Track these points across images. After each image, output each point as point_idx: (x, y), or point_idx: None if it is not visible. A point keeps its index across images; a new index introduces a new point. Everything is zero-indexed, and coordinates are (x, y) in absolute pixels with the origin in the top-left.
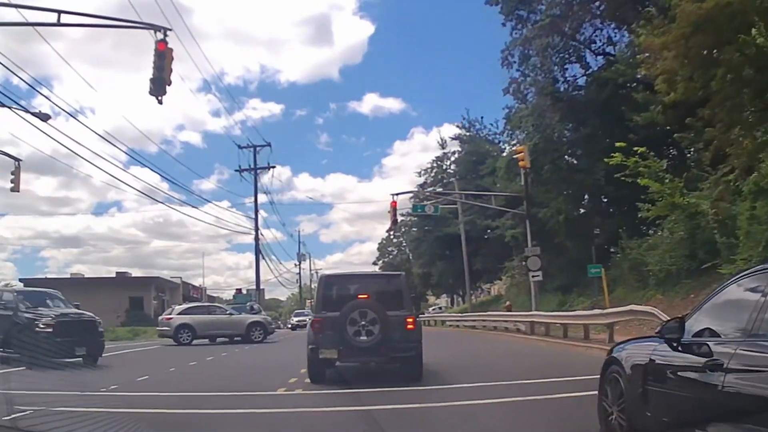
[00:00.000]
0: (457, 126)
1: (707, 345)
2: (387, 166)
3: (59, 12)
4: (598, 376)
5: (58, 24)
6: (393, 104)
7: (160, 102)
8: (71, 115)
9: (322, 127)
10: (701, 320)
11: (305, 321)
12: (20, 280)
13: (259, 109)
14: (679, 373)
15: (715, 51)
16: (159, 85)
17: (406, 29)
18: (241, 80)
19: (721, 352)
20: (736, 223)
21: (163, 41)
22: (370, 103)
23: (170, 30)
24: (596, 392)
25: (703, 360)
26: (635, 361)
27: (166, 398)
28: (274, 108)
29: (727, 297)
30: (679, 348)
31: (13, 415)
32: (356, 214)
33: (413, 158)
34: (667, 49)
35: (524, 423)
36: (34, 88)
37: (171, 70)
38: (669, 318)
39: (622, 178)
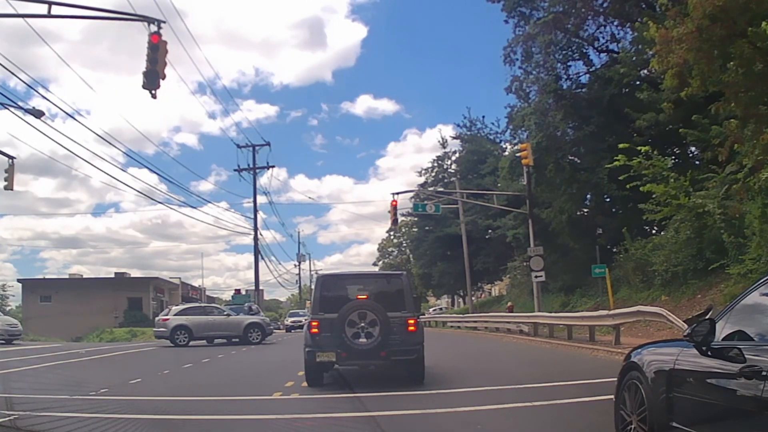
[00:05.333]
0: (457, 125)
1: (741, 350)
2: (382, 168)
3: (50, 3)
4: (606, 380)
5: (49, 15)
6: (387, 106)
7: (154, 96)
8: (70, 116)
9: (317, 129)
10: (731, 323)
11: (300, 322)
12: (19, 280)
13: (254, 111)
14: (709, 380)
15: (728, 44)
16: (152, 78)
17: (398, 32)
18: (236, 83)
19: (758, 357)
20: (744, 222)
21: (157, 34)
22: (363, 104)
23: (164, 22)
24: (606, 397)
25: (737, 366)
26: (658, 366)
27: (156, 402)
28: (269, 110)
29: (761, 298)
30: (710, 353)
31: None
32: (354, 216)
33: (408, 159)
34: (679, 42)
35: (531, 430)
36: (33, 89)
37: (165, 64)
38: (685, 320)
39: (626, 178)
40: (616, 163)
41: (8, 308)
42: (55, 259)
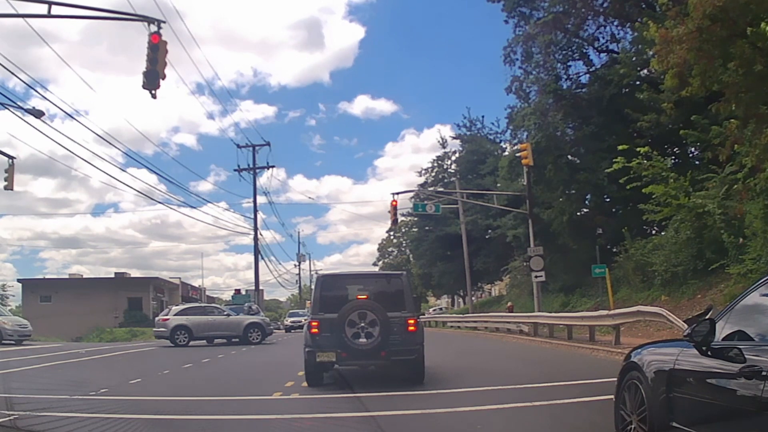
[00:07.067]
0: (456, 125)
1: (741, 350)
2: (380, 168)
3: (50, 3)
4: (606, 380)
5: (49, 15)
6: (384, 106)
7: (154, 96)
8: (70, 116)
9: (315, 129)
10: (731, 323)
11: (300, 322)
12: (19, 280)
13: (252, 111)
14: (709, 380)
15: (728, 44)
16: (152, 78)
17: (396, 32)
18: (234, 83)
19: (758, 357)
20: (744, 222)
21: (157, 33)
22: (361, 105)
23: (164, 22)
24: (606, 397)
25: (737, 366)
26: (658, 366)
27: (156, 402)
28: (267, 110)
29: (761, 298)
30: (710, 353)
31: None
32: (353, 216)
33: (406, 159)
34: (679, 42)
35: (531, 430)
36: (33, 89)
37: (165, 64)
38: (685, 320)
39: (626, 179)
40: (615, 166)
41: (8, 308)
42: (55, 259)
